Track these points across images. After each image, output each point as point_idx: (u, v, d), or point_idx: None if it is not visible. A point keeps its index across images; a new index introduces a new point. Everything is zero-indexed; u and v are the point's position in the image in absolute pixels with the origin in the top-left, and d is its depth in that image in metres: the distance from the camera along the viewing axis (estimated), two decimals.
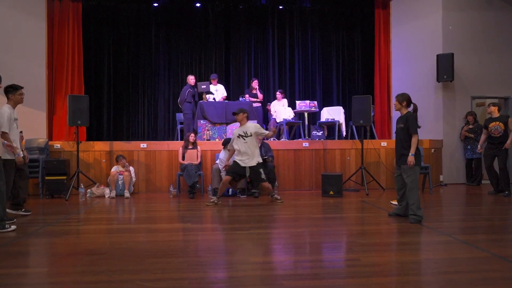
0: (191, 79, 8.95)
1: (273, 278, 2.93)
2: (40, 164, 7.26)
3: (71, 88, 9.33)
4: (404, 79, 9.71)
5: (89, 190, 7.33)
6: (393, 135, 9.70)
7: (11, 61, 8.24)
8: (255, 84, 9.61)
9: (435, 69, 8.82)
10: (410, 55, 9.64)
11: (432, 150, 8.48)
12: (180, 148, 7.49)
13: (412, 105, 4.98)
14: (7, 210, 5.16)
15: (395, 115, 9.78)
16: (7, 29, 8.45)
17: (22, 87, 5.02)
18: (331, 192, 7.00)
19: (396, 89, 9.82)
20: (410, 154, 4.71)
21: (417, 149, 4.80)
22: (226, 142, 7.10)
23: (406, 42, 9.78)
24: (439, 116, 8.94)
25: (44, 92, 8.91)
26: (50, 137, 8.99)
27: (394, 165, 5.17)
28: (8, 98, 4.93)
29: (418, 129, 4.82)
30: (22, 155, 4.98)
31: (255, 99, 9.46)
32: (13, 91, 4.92)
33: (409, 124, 4.76)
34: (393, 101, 9.78)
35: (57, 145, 7.87)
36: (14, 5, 8.56)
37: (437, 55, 8.79)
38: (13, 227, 4.29)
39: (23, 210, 5.39)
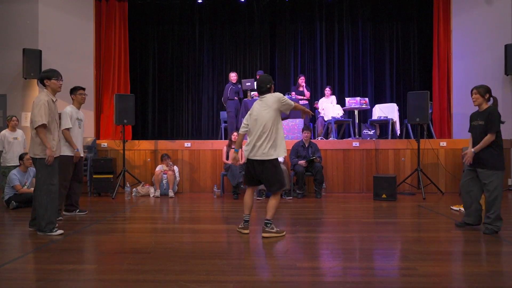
0: (232, 76, 8.86)
1: (321, 284, 2.81)
2: (88, 163, 7.42)
3: (118, 87, 9.50)
4: (466, 72, 8.99)
5: (134, 189, 7.46)
6: (454, 134, 9.03)
7: (60, 62, 8.45)
8: (301, 81, 9.29)
9: (503, 61, 8.12)
10: (473, 46, 8.91)
11: None
12: (224, 147, 7.38)
13: (492, 98, 4.38)
14: (64, 212, 5.41)
15: (456, 112, 9.09)
16: (57, 30, 8.71)
17: (82, 88, 5.55)
18: (384, 195, 6.73)
19: (457, 83, 9.16)
20: (472, 149, 4.25)
21: (501, 150, 4.22)
22: None
23: (469, 32, 9.04)
24: (507, 113, 8.15)
25: (92, 91, 9.11)
26: (98, 135, 9.20)
27: (464, 167, 4.61)
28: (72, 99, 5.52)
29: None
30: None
31: (302, 97, 9.14)
32: (74, 91, 5.48)
33: (491, 120, 4.17)
34: (454, 96, 9.20)
35: (104, 144, 8.03)
36: (62, 7, 8.82)
37: (505, 45, 8.07)
38: (59, 231, 4.30)
39: (78, 210, 5.53)
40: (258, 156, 4.13)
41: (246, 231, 4.30)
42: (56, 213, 4.41)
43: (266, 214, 4.21)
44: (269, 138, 4.10)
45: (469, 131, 4.53)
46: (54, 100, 4.36)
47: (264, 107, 4.14)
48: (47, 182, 4.23)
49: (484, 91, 4.31)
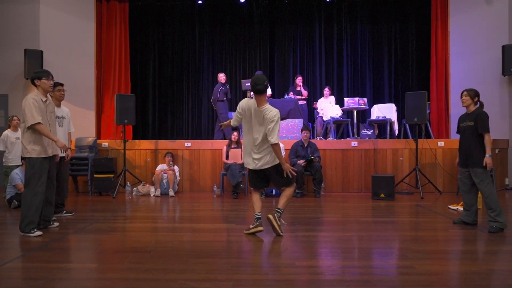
0: (221, 77, 8.91)
1: (319, 283, 2.82)
2: (89, 162, 7.46)
3: (118, 88, 9.55)
4: (464, 73, 9.04)
5: (135, 188, 7.47)
6: (452, 134, 9.08)
7: (61, 62, 8.53)
8: (298, 81, 9.35)
9: (501, 61, 8.15)
10: (471, 47, 8.96)
11: (497, 150, 7.83)
12: (224, 147, 7.42)
13: (479, 102, 4.61)
14: None
15: (453, 112, 9.16)
16: (58, 30, 8.76)
17: (60, 84, 5.12)
18: (382, 195, 6.72)
19: (455, 84, 9.20)
20: (487, 155, 4.36)
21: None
22: None
23: (466, 33, 9.09)
24: (504, 113, 8.22)
25: (93, 91, 9.17)
26: (99, 135, 9.26)
27: (457, 167, 4.76)
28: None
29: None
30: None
31: (300, 97, 9.19)
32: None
33: (480, 122, 4.39)
34: (452, 96, 9.26)
35: (105, 143, 8.06)
36: (63, 7, 8.88)
37: (503, 46, 8.11)
38: (38, 233, 4.20)
39: (64, 212, 5.36)
40: (266, 164, 4.10)
41: (260, 228, 4.14)
42: (36, 214, 4.22)
43: (279, 202, 4.21)
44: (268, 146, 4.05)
45: (457, 133, 4.72)
46: (44, 100, 4.30)
47: (265, 120, 3.99)
48: (33, 181, 4.17)
49: (473, 94, 4.55)
